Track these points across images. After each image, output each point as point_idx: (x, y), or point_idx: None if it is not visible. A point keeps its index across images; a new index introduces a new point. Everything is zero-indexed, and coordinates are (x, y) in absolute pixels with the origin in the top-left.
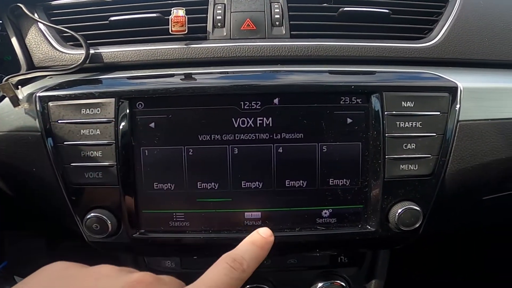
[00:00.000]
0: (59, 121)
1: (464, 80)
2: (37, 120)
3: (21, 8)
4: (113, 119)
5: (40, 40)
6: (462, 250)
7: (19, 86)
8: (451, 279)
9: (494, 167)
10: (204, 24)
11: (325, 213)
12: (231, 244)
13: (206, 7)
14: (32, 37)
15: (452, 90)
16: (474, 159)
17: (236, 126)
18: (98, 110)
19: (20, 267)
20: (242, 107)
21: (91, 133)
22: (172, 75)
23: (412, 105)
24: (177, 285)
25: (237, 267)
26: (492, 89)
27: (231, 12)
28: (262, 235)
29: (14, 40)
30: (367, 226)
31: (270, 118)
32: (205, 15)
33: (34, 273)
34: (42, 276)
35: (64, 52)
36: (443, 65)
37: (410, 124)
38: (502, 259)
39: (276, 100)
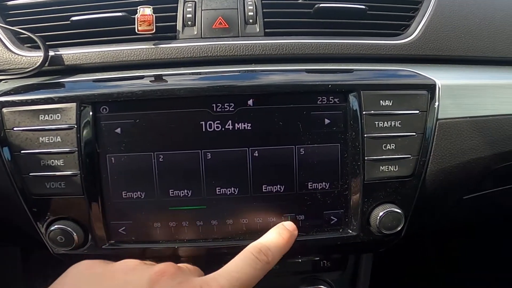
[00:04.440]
0: (14, 129)
1: (442, 77)
2: None
3: None
4: (75, 125)
5: None
6: (444, 250)
7: None
8: (435, 278)
9: (473, 166)
10: (173, 23)
11: (305, 218)
12: (207, 253)
13: (175, 5)
14: None
15: (431, 88)
16: (453, 158)
17: (208, 129)
18: (58, 116)
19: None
20: (215, 110)
21: (51, 141)
22: (139, 77)
23: (390, 104)
24: (197, 273)
25: (262, 258)
26: (470, 86)
27: (202, 10)
28: (288, 228)
29: None
30: (348, 231)
31: (245, 121)
32: (174, 14)
33: (63, 275)
34: (72, 277)
35: (20, 55)
36: (420, 62)
37: (389, 124)
38: (483, 258)
39: (250, 102)
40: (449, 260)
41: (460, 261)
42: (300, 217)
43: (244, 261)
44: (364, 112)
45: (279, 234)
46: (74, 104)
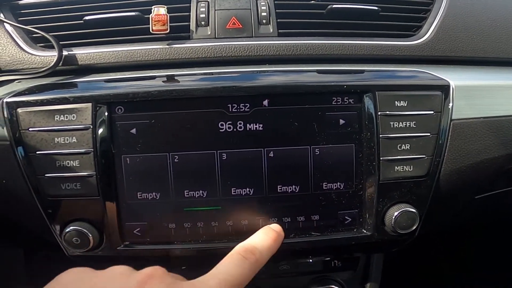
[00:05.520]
0: (30, 129)
1: (455, 78)
2: (5, 128)
3: None
4: (91, 126)
5: (6, 42)
6: (455, 250)
7: None
8: (445, 278)
9: (487, 166)
10: (187, 23)
11: (319, 218)
12: (222, 254)
13: (188, 5)
14: None
15: (445, 89)
16: (467, 158)
17: (224, 130)
18: (73, 116)
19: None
20: (230, 110)
21: (66, 141)
22: (153, 77)
23: (405, 105)
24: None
25: (249, 256)
26: (483, 86)
27: (215, 10)
28: (274, 229)
29: None
30: (363, 230)
31: (260, 121)
32: (187, 14)
33: (50, 283)
34: (60, 285)
35: (33, 54)
36: (432, 63)
37: (404, 124)
38: (494, 258)
39: (265, 102)
40: (459, 260)
41: (470, 261)
42: (314, 217)
43: (232, 262)
44: (379, 113)
45: (265, 234)
46: (90, 104)
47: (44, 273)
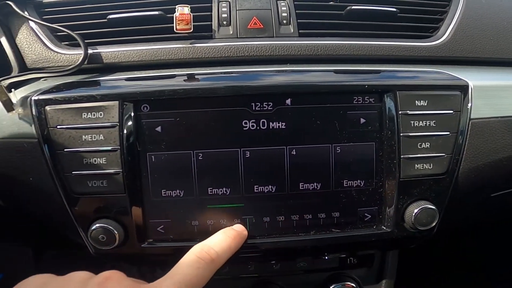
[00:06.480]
0: (58, 127)
1: (474, 79)
2: (33, 125)
3: (11, 6)
4: (117, 123)
5: (32, 40)
6: (470, 248)
7: (12, 89)
8: (459, 276)
9: (504, 164)
10: (209, 22)
11: (339, 215)
12: (246, 251)
13: (210, 4)
14: (24, 37)
15: (464, 89)
16: (485, 157)
17: (247, 128)
18: (100, 114)
19: (16, 279)
20: (254, 109)
21: (93, 139)
22: (179, 76)
23: (425, 104)
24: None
25: (204, 257)
26: (501, 86)
27: (236, 10)
28: (235, 228)
29: (3, 40)
30: (382, 227)
31: (283, 120)
32: (209, 13)
33: None
34: None
35: (59, 53)
36: (450, 64)
37: (424, 123)
38: (509, 256)
39: (288, 101)
40: (474, 257)
41: (485, 259)
42: (335, 214)
43: (187, 263)
44: (400, 112)
45: (224, 234)
46: (117, 102)
47: (53, 272)
